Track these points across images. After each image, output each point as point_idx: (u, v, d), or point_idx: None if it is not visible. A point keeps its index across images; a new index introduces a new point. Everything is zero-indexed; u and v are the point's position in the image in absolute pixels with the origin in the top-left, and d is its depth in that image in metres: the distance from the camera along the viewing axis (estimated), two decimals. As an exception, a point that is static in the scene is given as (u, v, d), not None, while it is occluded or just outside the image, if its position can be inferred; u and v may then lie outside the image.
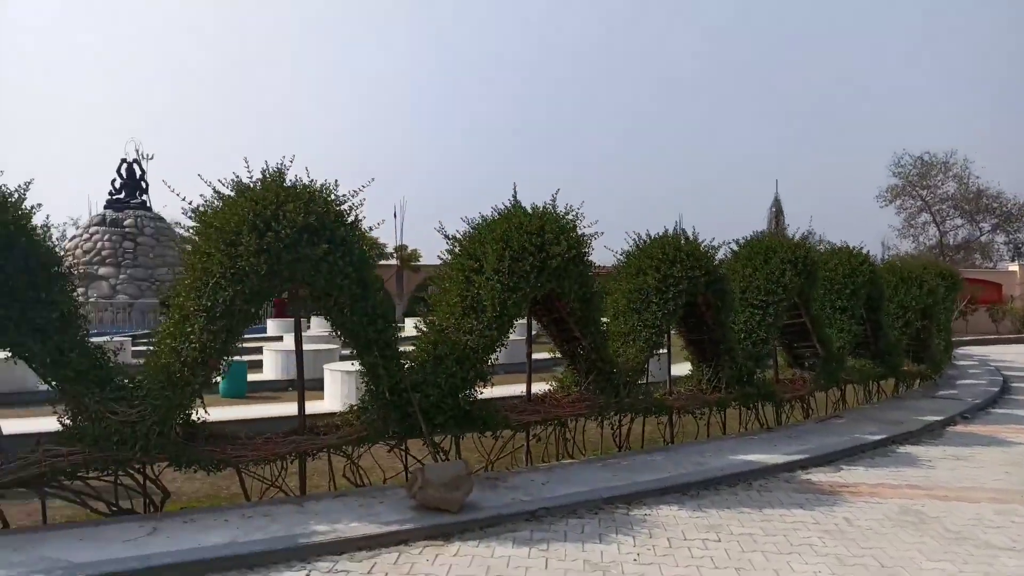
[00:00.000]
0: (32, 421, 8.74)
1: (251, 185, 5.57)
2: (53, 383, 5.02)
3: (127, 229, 26.71)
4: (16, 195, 5.03)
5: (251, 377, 12.80)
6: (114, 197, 27.77)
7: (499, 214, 6.67)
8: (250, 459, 5.50)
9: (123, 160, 27.93)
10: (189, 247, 5.58)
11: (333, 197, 5.77)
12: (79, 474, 5.10)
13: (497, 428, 6.42)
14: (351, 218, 5.84)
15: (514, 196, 6.76)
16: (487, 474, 6.49)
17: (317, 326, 20.32)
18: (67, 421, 5.12)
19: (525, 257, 6.20)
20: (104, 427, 4.95)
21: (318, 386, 13.05)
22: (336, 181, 5.85)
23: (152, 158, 28.60)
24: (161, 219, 28.19)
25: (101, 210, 27.47)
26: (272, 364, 13.87)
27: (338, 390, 10.23)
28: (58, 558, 4.31)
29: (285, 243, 5.26)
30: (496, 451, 6.73)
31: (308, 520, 5.08)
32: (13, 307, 4.80)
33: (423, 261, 30.62)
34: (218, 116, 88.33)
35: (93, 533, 4.79)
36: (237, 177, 5.57)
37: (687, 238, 8.12)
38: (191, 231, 5.57)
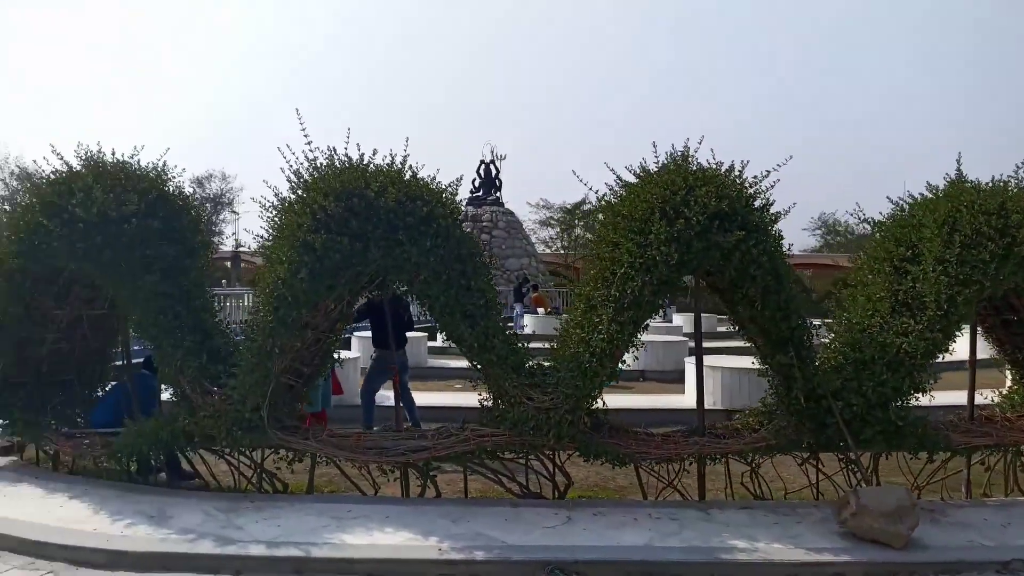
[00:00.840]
0: (430, 395, 9.91)
1: (656, 171, 5.34)
2: (478, 366, 5.35)
3: (484, 223, 29.70)
4: (450, 190, 5.48)
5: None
6: (473, 195, 31.09)
7: (936, 192, 5.50)
8: (652, 457, 5.29)
9: (481, 161, 31.13)
10: (594, 237, 5.56)
11: (741, 180, 5.26)
12: (497, 454, 5.38)
13: (936, 449, 5.32)
14: (759, 203, 5.28)
15: (958, 167, 5.51)
16: (919, 503, 5.41)
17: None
18: (488, 403, 5.42)
19: (982, 243, 4.97)
20: (521, 412, 5.11)
21: (667, 378, 12.79)
22: (744, 162, 5.35)
23: (505, 158, 31.40)
24: (511, 214, 30.85)
25: (463, 207, 30.99)
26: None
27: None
28: (492, 536, 4.51)
29: (696, 230, 4.89)
30: (925, 476, 5.61)
31: (720, 532, 4.66)
32: (448, 294, 5.19)
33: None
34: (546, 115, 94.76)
35: (514, 514, 4.97)
36: (643, 163, 5.38)
37: None
38: (596, 221, 5.54)
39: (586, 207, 42.93)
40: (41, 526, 4.61)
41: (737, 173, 5.30)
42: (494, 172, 31.24)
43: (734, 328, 5.79)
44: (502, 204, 31.03)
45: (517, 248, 29.79)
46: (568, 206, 43.68)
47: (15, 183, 45.43)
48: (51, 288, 5.99)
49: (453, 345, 5.63)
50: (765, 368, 5.53)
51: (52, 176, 5.73)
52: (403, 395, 8.23)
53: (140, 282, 5.41)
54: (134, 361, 6.31)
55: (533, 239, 37.93)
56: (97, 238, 5.32)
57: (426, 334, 14.55)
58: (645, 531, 4.64)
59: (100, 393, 6.64)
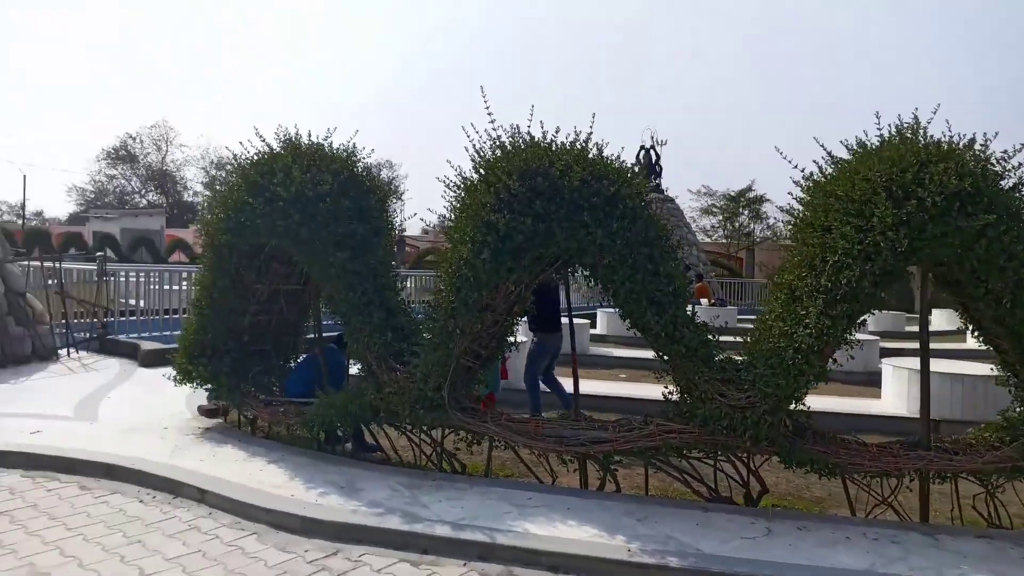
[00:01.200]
0: (595, 384, 9.65)
1: (878, 146, 4.69)
2: (664, 357, 5.00)
3: (644, 211, 28.94)
4: (632, 170, 5.18)
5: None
6: (633, 181, 30.37)
7: None
8: (866, 469, 4.68)
9: (641, 147, 30.25)
10: (796, 220, 5.02)
11: (986, 155, 4.49)
12: (684, 452, 5.02)
13: None
14: (1009, 182, 4.48)
15: None
16: None
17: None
18: (673, 397, 5.06)
19: None
20: (713, 409, 4.71)
21: (853, 380, 11.66)
22: (989, 135, 4.55)
23: (665, 144, 30.33)
24: (671, 200, 29.77)
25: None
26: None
27: (903, 390, 8.72)
28: (685, 542, 4.17)
29: (931, 213, 4.22)
30: None
31: (956, 562, 4.00)
32: (634, 279, 4.88)
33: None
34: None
35: (704, 519, 4.59)
36: (864, 134, 4.75)
37: None
38: (800, 202, 4.99)
39: (751, 194, 40.79)
40: (245, 487, 4.88)
41: (981, 147, 4.53)
42: (654, 158, 30.24)
43: (966, 327, 5.01)
44: (663, 191, 30.02)
45: (678, 237, 28.78)
46: (732, 193, 41.67)
47: (214, 171, 50.76)
48: (253, 263, 6.38)
49: (613, 333, 5.35)
50: (1007, 376, 4.74)
51: (255, 157, 6.07)
52: (554, 381, 7.96)
53: (332, 259, 5.58)
54: (326, 335, 6.59)
55: (694, 227, 36.54)
56: (295, 216, 5.55)
57: (588, 321, 14.32)
58: (863, 553, 4.09)
59: (293, 364, 7.02)
